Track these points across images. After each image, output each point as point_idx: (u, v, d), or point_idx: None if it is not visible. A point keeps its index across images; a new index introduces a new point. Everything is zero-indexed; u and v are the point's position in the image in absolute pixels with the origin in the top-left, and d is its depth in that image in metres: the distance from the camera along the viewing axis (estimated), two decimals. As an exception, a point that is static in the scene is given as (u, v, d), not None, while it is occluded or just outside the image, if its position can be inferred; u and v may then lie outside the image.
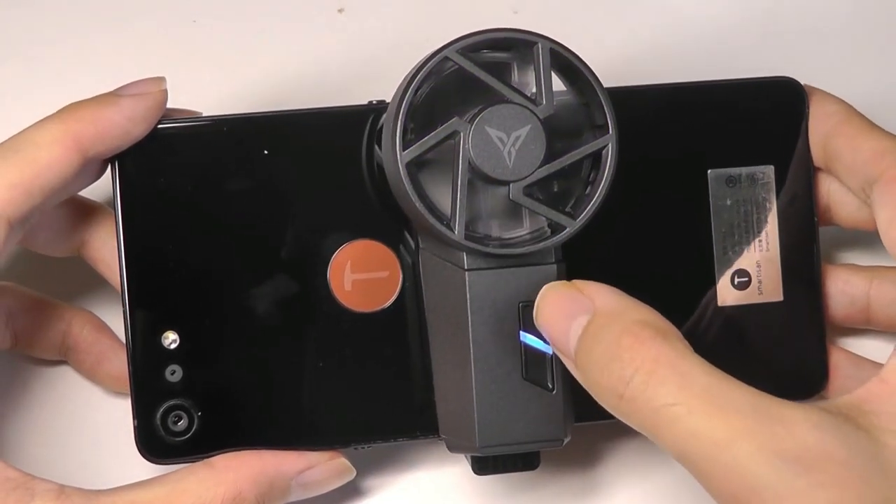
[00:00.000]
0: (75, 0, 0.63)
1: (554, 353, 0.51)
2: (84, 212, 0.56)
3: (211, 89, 0.61)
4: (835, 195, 0.57)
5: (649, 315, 0.48)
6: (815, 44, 0.64)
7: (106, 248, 0.55)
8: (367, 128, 0.54)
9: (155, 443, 0.53)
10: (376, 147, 0.54)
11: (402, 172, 0.50)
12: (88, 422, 0.59)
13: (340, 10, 0.64)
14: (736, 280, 0.57)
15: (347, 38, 0.63)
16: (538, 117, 0.50)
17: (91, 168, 0.53)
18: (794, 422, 0.45)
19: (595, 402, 0.54)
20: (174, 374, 0.53)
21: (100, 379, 0.58)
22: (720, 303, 0.57)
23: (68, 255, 0.57)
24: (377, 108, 0.54)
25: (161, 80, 0.53)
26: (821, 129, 0.56)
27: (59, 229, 0.56)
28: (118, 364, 0.55)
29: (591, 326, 0.47)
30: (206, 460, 0.53)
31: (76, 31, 0.62)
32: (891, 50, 0.65)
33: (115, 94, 0.53)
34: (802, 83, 0.57)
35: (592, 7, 0.64)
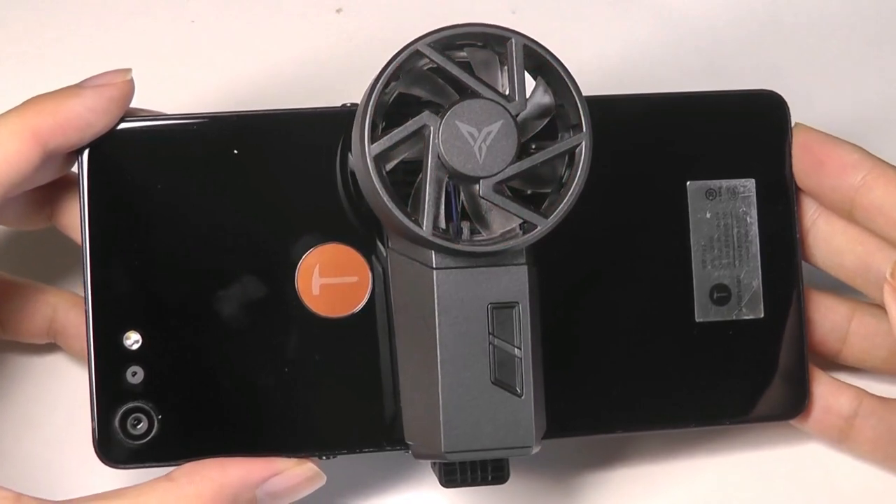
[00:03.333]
0: (73, 0, 0.63)
1: (523, 357, 0.50)
2: (53, 182, 0.55)
3: (209, 89, 0.60)
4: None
5: None
6: (811, 46, 0.63)
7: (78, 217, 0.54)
8: (342, 131, 0.53)
9: (113, 446, 0.52)
10: (348, 155, 0.53)
11: (370, 166, 0.48)
12: (47, 424, 0.58)
13: (339, 11, 0.63)
14: (715, 295, 0.55)
15: (346, 39, 0.63)
16: (510, 113, 0.49)
17: (56, 160, 0.52)
18: None
19: (572, 416, 0.53)
20: (135, 375, 0.52)
21: None
22: (698, 318, 0.55)
23: (41, 227, 0.56)
24: (351, 111, 0.53)
25: (126, 71, 0.52)
26: (844, 181, 0.55)
27: (28, 203, 0.55)
28: None
29: None
30: (167, 474, 0.51)
31: (74, 31, 0.62)
32: (887, 51, 0.64)
33: (79, 86, 0.52)
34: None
35: (590, 8, 0.63)
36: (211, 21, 0.63)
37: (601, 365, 0.55)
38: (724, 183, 0.55)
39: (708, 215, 0.55)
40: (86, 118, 0.51)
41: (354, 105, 0.53)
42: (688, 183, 0.55)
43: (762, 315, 0.55)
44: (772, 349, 0.55)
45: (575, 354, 0.54)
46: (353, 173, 0.53)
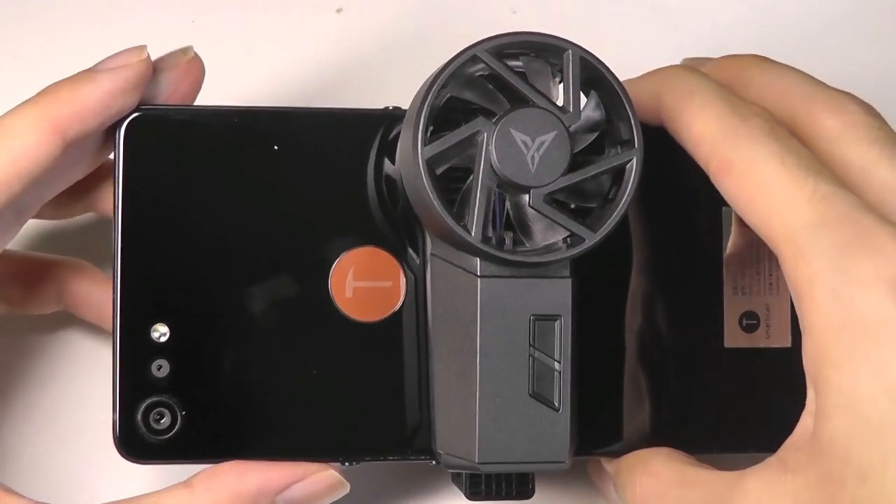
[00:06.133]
0: (73, 0, 0.62)
1: (562, 370, 0.49)
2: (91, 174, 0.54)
3: (208, 89, 0.59)
4: None
5: None
6: (811, 47, 0.63)
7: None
8: (380, 134, 0.53)
9: (135, 441, 0.51)
10: (386, 159, 0.53)
11: (422, 169, 0.48)
12: (67, 420, 0.58)
13: (339, 11, 0.63)
14: (744, 322, 0.55)
15: (346, 39, 0.62)
16: (564, 125, 0.48)
17: (81, 150, 0.51)
18: None
19: (596, 435, 0.53)
20: (161, 369, 0.51)
21: (108, 325, 0.55)
22: (727, 344, 0.55)
23: (77, 216, 0.55)
24: (393, 115, 0.53)
25: (141, 49, 0.51)
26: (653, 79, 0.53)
27: (66, 195, 0.54)
28: None
29: None
30: (184, 480, 0.50)
31: (73, 31, 0.61)
32: (888, 52, 0.64)
33: (94, 71, 0.51)
34: None
35: (591, 8, 0.63)
36: (211, 21, 0.62)
37: (628, 385, 0.54)
38: None
39: (741, 242, 0.55)
40: (104, 103, 0.50)
41: (397, 108, 0.53)
42: (723, 208, 0.55)
43: (789, 344, 0.55)
44: (797, 378, 0.55)
45: (603, 373, 0.54)
46: (387, 177, 0.52)
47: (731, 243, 0.55)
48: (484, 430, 0.49)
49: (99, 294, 0.56)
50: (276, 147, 0.52)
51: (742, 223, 0.50)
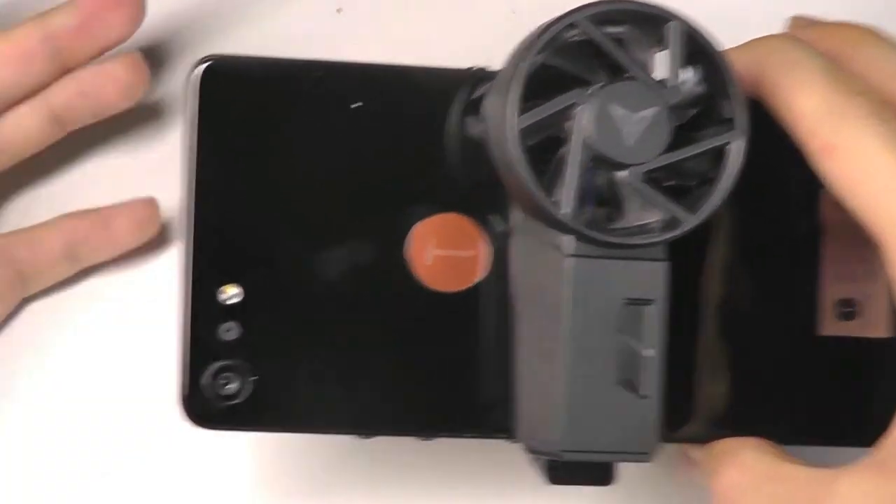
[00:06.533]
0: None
1: (653, 358, 0.47)
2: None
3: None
4: None
5: None
6: None
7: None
8: (466, 95, 0.50)
9: (200, 404, 0.49)
10: (468, 119, 0.50)
11: (515, 140, 0.45)
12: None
13: (339, 11, 0.61)
14: (840, 309, 0.53)
15: (346, 39, 0.61)
16: (665, 101, 0.46)
17: None
18: None
19: (679, 422, 0.51)
20: (229, 332, 0.49)
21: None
22: (821, 332, 0.52)
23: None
24: (477, 75, 0.50)
25: None
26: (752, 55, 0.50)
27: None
28: None
29: None
30: None
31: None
32: None
33: None
34: None
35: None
36: (210, 21, 0.61)
37: (716, 371, 0.52)
38: None
39: (842, 227, 0.52)
40: None
41: (480, 69, 0.50)
42: (822, 190, 0.52)
43: (888, 334, 0.53)
44: (894, 372, 0.53)
45: (689, 358, 0.52)
46: (472, 142, 0.50)
47: (829, 227, 0.52)
48: (569, 417, 0.47)
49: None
50: (359, 104, 0.50)
51: (841, 207, 0.47)
